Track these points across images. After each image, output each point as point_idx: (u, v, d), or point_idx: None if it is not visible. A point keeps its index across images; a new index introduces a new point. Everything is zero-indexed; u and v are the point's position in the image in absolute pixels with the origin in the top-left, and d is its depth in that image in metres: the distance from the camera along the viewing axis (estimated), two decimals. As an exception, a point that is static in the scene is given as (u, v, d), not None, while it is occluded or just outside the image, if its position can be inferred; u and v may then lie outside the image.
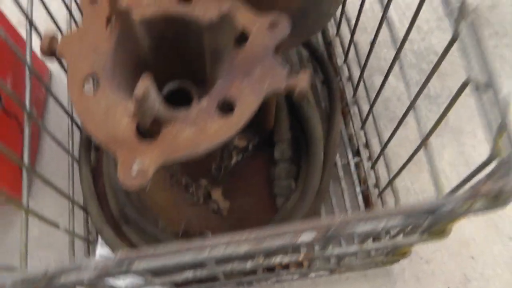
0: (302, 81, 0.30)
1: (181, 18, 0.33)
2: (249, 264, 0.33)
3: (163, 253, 0.24)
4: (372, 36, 0.46)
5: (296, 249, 0.44)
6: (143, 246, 0.45)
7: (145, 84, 0.26)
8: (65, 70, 0.48)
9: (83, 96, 0.31)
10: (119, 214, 0.47)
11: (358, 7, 0.50)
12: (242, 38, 0.32)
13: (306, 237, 0.24)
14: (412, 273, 0.51)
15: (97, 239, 0.50)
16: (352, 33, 0.53)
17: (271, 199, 0.49)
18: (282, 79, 0.31)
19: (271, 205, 0.49)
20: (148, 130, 0.29)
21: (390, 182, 0.46)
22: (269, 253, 0.33)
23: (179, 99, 0.35)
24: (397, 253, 0.44)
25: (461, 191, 0.29)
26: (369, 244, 0.35)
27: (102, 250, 0.49)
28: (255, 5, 0.33)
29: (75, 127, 0.51)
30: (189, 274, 0.33)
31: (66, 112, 0.49)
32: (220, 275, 0.35)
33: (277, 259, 0.34)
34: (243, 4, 0.33)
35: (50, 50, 0.32)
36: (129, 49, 0.32)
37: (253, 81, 0.31)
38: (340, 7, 0.55)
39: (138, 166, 0.28)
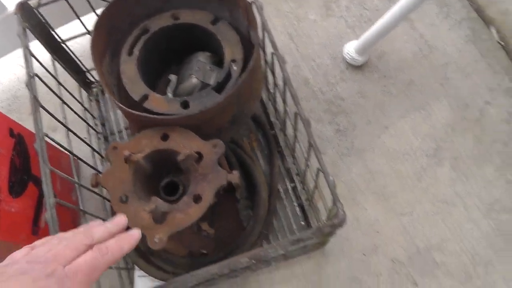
0: (235, 176, 0.58)
1: (164, 149, 0.60)
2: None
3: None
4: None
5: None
6: (167, 267, 0.72)
7: (155, 201, 0.53)
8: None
9: (121, 208, 0.58)
10: (146, 250, 0.75)
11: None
12: (199, 157, 0.59)
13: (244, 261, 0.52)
14: (339, 248, 0.78)
15: (133, 267, 0.77)
16: (274, 101, 0.80)
17: (240, 223, 0.77)
18: (224, 178, 0.58)
19: (240, 226, 0.76)
20: (158, 219, 0.56)
21: (310, 198, 0.74)
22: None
23: (172, 186, 0.62)
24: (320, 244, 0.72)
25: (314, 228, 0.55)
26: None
27: (139, 273, 0.77)
28: (205, 127, 0.60)
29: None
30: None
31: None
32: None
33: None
34: (197, 137, 0.60)
35: (96, 183, 0.59)
36: (141, 173, 0.60)
37: (209, 181, 0.58)
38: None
39: (157, 238, 0.56)
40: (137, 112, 0.59)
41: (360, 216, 0.80)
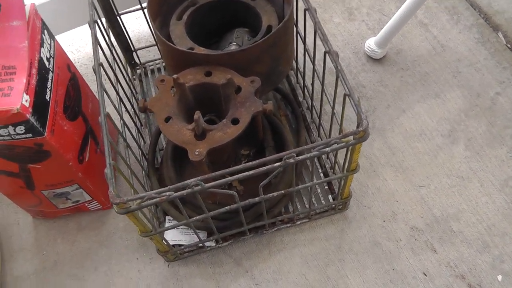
0: (269, 105, 0.64)
1: (208, 83, 0.67)
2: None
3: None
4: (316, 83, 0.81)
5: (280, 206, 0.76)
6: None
7: (198, 113, 0.60)
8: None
9: (166, 126, 0.64)
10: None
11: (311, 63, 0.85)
12: (238, 89, 0.66)
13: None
14: (360, 215, 0.82)
15: (164, 219, 0.81)
16: (304, 80, 0.88)
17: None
18: (260, 106, 0.64)
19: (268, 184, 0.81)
20: (200, 135, 0.62)
21: (333, 166, 0.79)
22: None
23: (210, 123, 0.69)
24: (343, 197, 0.76)
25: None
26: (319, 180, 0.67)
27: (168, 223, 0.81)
28: (243, 73, 0.67)
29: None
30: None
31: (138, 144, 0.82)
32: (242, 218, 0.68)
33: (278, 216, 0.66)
34: (237, 74, 0.67)
35: (144, 106, 0.66)
36: (184, 102, 0.67)
37: (246, 108, 0.64)
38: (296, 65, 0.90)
39: (198, 151, 0.61)
40: (185, 49, 0.68)
41: (381, 186, 0.84)
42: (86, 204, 0.84)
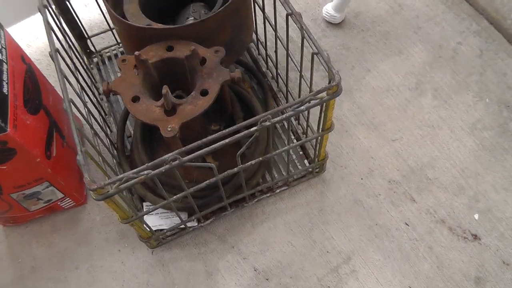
0: (237, 73, 0.63)
1: (171, 58, 0.65)
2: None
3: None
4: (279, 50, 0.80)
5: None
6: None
7: (166, 88, 0.58)
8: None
9: (133, 106, 0.62)
10: (152, 184, 0.77)
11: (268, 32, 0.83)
12: (203, 61, 0.64)
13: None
14: (338, 176, 0.82)
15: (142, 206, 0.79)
16: (266, 50, 0.87)
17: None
18: (227, 74, 0.63)
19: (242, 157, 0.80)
20: (170, 111, 0.61)
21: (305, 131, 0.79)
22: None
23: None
24: (319, 159, 0.75)
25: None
26: (295, 143, 0.67)
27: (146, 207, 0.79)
28: (205, 44, 0.66)
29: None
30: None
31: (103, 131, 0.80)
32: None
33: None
34: (200, 45, 0.65)
35: (108, 89, 0.64)
36: (149, 80, 0.64)
37: (214, 78, 0.63)
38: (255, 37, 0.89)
39: (170, 127, 0.59)
40: (143, 25, 0.65)
41: (355, 145, 0.85)
42: (59, 203, 0.81)
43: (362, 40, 0.97)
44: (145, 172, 0.53)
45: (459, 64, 0.91)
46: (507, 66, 0.90)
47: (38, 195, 0.75)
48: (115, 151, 0.81)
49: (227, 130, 0.55)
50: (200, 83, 0.63)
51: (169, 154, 0.53)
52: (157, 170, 0.54)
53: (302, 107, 0.56)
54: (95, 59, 0.95)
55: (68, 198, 0.80)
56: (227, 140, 0.56)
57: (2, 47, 0.63)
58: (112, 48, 0.97)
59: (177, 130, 0.59)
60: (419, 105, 0.88)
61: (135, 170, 0.53)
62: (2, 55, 0.62)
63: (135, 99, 0.62)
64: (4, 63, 0.62)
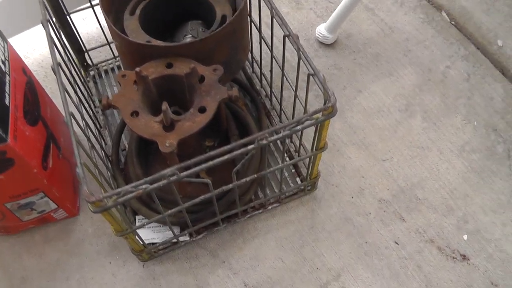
0: (235, 91, 0.65)
1: (171, 75, 0.67)
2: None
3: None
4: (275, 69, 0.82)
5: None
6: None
7: (166, 104, 0.59)
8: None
9: (132, 120, 0.63)
10: (146, 198, 0.78)
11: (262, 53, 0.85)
12: (202, 78, 0.66)
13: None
14: (329, 194, 0.84)
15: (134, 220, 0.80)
16: (260, 69, 0.89)
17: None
18: (225, 92, 0.65)
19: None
20: (168, 127, 0.62)
21: (297, 149, 0.81)
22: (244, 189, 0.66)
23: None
24: (312, 177, 0.77)
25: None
26: (289, 161, 0.68)
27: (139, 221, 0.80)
28: (204, 63, 0.67)
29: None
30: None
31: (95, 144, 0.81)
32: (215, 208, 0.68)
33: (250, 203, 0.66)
34: (198, 63, 0.67)
35: (107, 104, 0.65)
36: (148, 95, 0.66)
37: (212, 96, 0.65)
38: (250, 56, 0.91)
39: (168, 143, 0.61)
40: (143, 42, 0.67)
41: (346, 164, 0.87)
42: (52, 214, 0.81)
43: (354, 61, 0.99)
44: (143, 186, 0.54)
45: (448, 87, 0.94)
46: (494, 90, 0.93)
47: (33, 205, 0.76)
48: (109, 164, 0.82)
49: (226, 147, 0.56)
50: (198, 100, 0.65)
51: (168, 170, 0.54)
52: (155, 185, 0.55)
53: (298, 127, 0.58)
54: (91, 72, 0.96)
55: (61, 209, 0.81)
56: (225, 157, 0.57)
57: (5, 59, 0.64)
58: (109, 61, 0.99)
59: (175, 145, 0.60)
60: (409, 127, 0.90)
61: (133, 184, 0.54)
62: (5, 67, 0.63)
63: (134, 114, 0.64)
64: (7, 75, 0.63)
